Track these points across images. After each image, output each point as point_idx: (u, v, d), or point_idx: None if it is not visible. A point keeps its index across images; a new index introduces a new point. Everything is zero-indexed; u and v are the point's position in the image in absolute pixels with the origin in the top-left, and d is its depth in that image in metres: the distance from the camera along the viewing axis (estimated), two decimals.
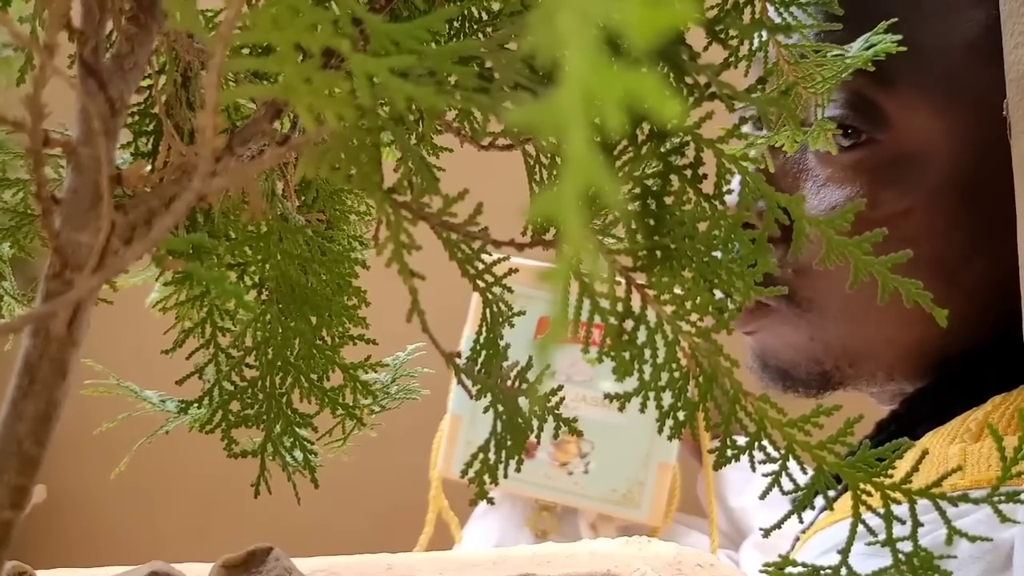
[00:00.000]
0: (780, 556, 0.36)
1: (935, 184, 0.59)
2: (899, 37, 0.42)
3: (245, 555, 0.39)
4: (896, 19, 0.43)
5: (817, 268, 0.59)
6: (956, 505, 0.34)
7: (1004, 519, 0.34)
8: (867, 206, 0.59)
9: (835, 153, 0.59)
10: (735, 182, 0.33)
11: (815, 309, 0.63)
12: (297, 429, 0.41)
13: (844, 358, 0.63)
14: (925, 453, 0.35)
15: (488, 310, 0.36)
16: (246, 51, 0.35)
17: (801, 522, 0.35)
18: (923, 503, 0.34)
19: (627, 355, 0.32)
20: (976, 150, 0.59)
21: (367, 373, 0.42)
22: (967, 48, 0.58)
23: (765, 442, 0.34)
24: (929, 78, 0.58)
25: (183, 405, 0.43)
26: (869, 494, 0.34)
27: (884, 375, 0.64)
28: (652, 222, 0.31)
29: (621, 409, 0.34)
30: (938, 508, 0.34)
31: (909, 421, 0.62)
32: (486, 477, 0.34)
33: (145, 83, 0.39)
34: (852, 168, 0.60)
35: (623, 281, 0.33)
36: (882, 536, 0.34)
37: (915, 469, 0.34)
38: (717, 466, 0.35)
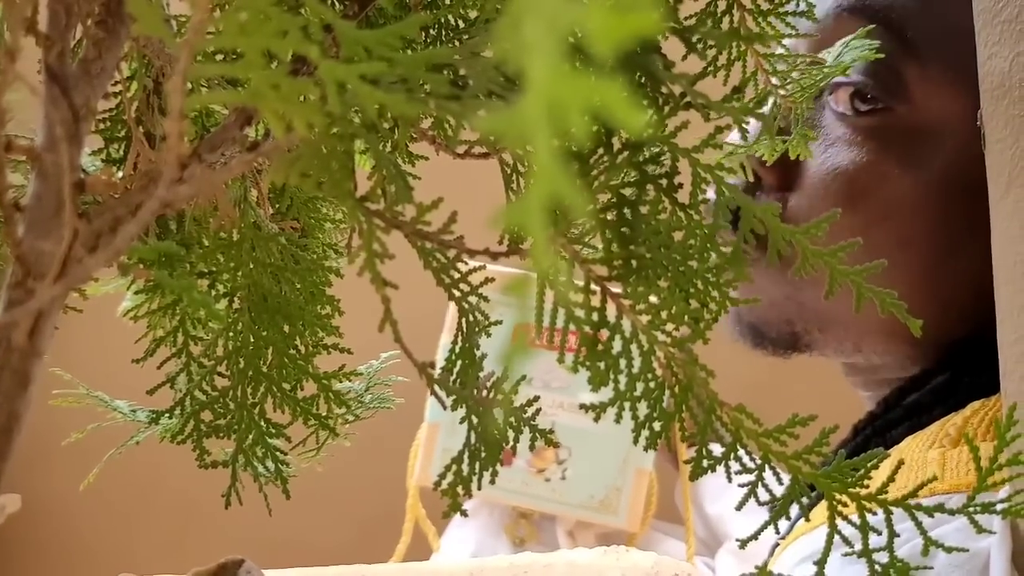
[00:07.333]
0: (757, 567, 0.35)
1: (938, 166, 0.58)
2: (877, 43, 0.42)
3: (215, 568, 0.38)
4: None
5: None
6: (932, 515, 0.34)
7: (980, 530, 0.34)
8: (870, 178, 0.58)
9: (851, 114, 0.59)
10: (711, 191, 0.33)
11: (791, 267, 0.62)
12: (270, 439, 0.40)
13: (815, 321, 0.63)
14: (901, 463, 0.35)
15: (464, 319, 0.36)
16: (220, 57, 0.35)
17: (777, 532, 0.35)
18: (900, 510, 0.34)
19: (602, 365, 0.32)
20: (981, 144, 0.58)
21: (340, 382, 0.42)
22: None
23: (741, 452, 0.34)
24: (960, 59, 0.56)
25: (154, 415, 0.43)
26: (845, 504, 0.34)
27: (852, 345, 0.63)
28: (627, 231, 0.31)
29: (597, 419, 0.33)
30: (914, 519, 0.33)
31: (885, 424, 0.62)
32: (459, 489, 0.33)
33: (117, 88, 0.38)
34: (864, 132, 0.59)
35: (598, 290, 0.32)
36: (858, 546, 0.34)
37: (891, 479, 0.34)
38: (693, 476, 0.35)
